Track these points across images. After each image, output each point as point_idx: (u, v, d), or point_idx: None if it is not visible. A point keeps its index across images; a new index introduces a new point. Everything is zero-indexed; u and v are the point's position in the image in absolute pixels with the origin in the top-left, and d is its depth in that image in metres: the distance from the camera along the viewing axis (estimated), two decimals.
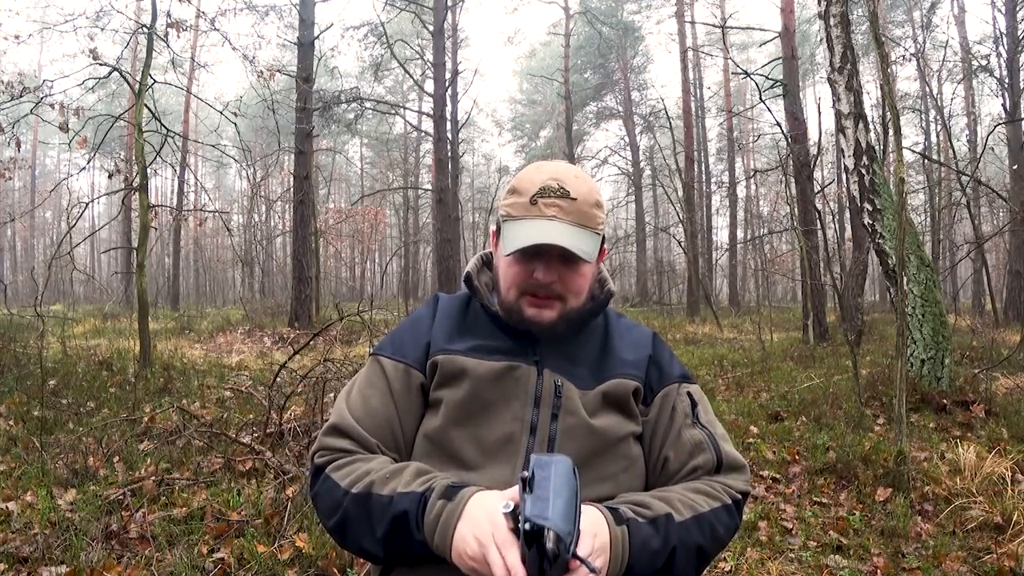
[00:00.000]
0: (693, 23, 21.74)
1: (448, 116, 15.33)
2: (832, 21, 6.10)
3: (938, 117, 16.23)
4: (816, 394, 5.77)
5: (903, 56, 17.62)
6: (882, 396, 5.50)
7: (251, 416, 4.59)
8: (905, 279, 5.16)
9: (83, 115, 7.68)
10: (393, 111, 21.54)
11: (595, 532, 0.86)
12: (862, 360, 7.21)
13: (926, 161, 16.71)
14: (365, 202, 25.77)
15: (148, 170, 8.17)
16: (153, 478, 3.37)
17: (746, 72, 11.31)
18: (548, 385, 1.05)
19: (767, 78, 11.60)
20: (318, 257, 15.81)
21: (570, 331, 1.10)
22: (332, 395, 4.16)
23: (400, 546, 0.91)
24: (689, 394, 1.11)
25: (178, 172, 22.59)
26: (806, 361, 8.11)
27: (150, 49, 8.25)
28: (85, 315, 15.00)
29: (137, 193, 8.01)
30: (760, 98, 11.40)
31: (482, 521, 0.83)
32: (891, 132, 5.22)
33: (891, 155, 9.14)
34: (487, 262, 1.21)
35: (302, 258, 13.04)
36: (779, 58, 12.90)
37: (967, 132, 18.88)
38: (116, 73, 8.72)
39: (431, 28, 14.91)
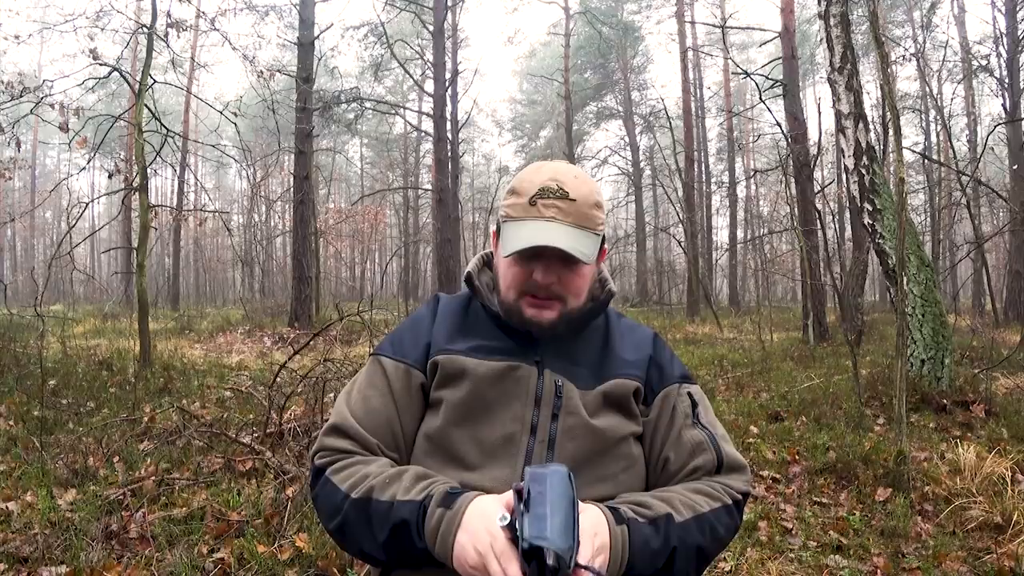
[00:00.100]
0: (693, 23, 21.74)
1: (448, 116, 15.34)
2: (832, 21, 6.10)
3: (938, 117, 16.23)
4: (816, 394, 5.77)
5: (903, 56, 17.62)
6: (882, 396, 5.50)
7: (251, 416, 4.59)
8: (905, 279, 5.16)
9: (83, 115, 7.68)
10: (393, 111, 21.55)
11: (595, 532, 0.86)
12: (862, 360, 7.21)
13: (926, 161, 16.74)
14: (365, 202, 25.77)
15: (148, 170, 8.17)
16: (153, 478, 3.37)
17: (746, 72, 11.32)
18: (548, 385, 1.05)
19: (767, 78, 11.60)
20: (318, 257, 15.81)
21: (570, 331, 1.10)
22: (332, 395, 4.15)
23: (402, 551, 0.92)
24: (690, 394, 1.11)
25: (178, 172, 22.59)
26: (806, 361, 8.10)
27: (150, 49, 8.24)
28: (85, 315, 15.00)
29: (137, 193, 8.00)
30: (760, 98, 11.41)
31: (480, 532, 0.83)
32: (891, 132, 5.22)
33: (891, 155, 9.14)
34: (488, 262, 1.21)
35: (302, 258, 13.04)
36: (779, 58, 12.90)
37: (967, 132, 18.89)
38: (116, 73, 8.72)
39: (431, 28, 14.91)
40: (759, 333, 10.33)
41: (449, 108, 15.52)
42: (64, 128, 7.43)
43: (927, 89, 18.14)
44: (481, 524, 0.84)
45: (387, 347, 1.13)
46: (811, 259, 11.08)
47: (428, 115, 16.23)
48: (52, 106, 7.66)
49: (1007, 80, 14.11)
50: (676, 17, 20.89)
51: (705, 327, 13.83)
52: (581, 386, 1.06)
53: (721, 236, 30.01)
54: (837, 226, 16.76)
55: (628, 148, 28.02)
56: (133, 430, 4.38)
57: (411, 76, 17.23)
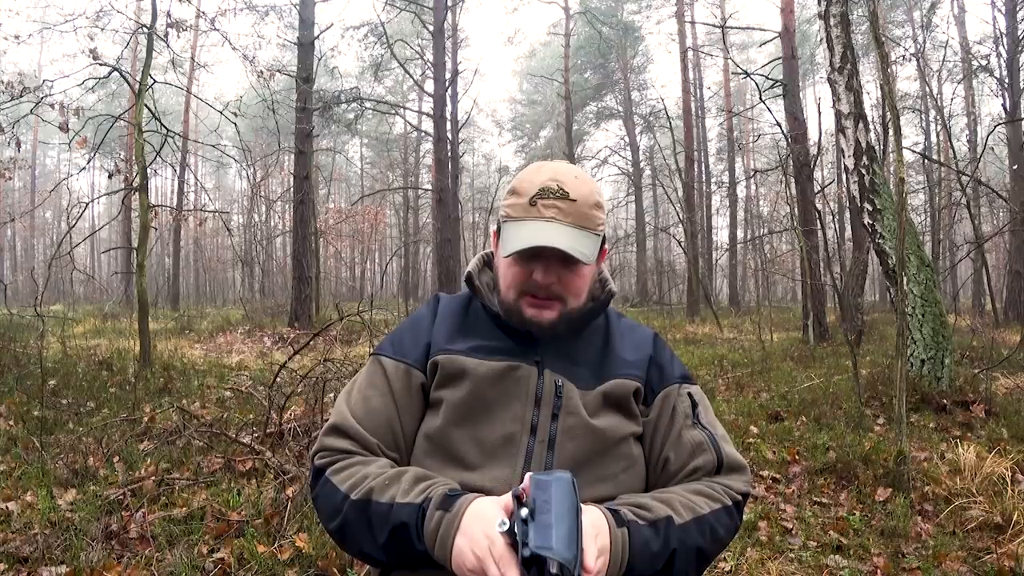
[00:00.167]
0: (693, 23, 21.74)
1: (448, 116, 15.34)
2: (832, 21, 6.10)
3: (938, 117, 16.23)
4: (816, 394, 5.77)
5: (903, 56, 17.62)
6: (882, 396, 5.50)
7: (251, 416, 4.59)
8: (905, 279, 5.16)
9: (83, 115, 7.68)
10: (393, 111, 21.55)
11: (597, 532, 0.86)
12: (862, 360, 7.21)
13: (926, 161, 16.74)
14: (365, 202, 25.77)
15: (148, 170, 8.17)
16: (153, 478, 3.37)
17: (746, 72, 11.32)
18: (549, 385, 1.05)
19: (767, 78, 11.60)
20: (318, 257, 15.81)
21: (570, 331, 1.10)
22: (332, 395, 4.15)
23: (401, 553, 0.92)
24: (690, 395, 1.11)
25: (178, 172, 22.59)
26: (806, 361, 8.11)
27: (150, 49, 8.24)
28: (85, 315, 15.00)
29: (137, 193, 8.00)
30: (760, 98, 11.41)
31: (478, 536, 0.83)
32: (891, 132, 5.22)
33: (891, 155, 9.14)
34: (488, 262, 1.21)
35: (302, 258, 13.04)
36: (779, 58, 12.90)
37: (967, 132, 18.88)
38: (116, 73, 8.72)
39: (431, 28, 14.91)
40: (759, 333, 10.33)
41: (449, 108, 15.52)
42: (64, 128, 7.42)
43: (927, 89, 18.15)
44: (479, 528, 0.84)
45: (387, 347, 1.13)
46: (811, 259, 11.08)
47: (428, 115, 16.23)
48: (52, 106, 7.66)
49: (1007, 80, 14.11)
50: (676, 17, 20.89)
51: (705, 327, 13.83)
52: (581, 386, 1.06)
53: (721, 236, 30.05)
54: (837, 226, 16.77)
55: (628, 148, 28.02)
56: (133, 430, 4.38)
57: (411, 76, 17.23)
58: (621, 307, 20.50)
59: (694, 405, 1.10)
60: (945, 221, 16.70)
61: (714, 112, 28.22)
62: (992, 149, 14.60)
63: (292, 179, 14.41)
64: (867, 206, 5.83)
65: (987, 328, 10.88)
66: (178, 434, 4.20)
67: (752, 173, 18.67)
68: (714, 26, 19.35)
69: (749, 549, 2.86)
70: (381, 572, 1.02)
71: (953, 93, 19.00)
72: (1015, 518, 2.94)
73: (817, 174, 16.33)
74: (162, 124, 8.53)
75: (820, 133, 14.94)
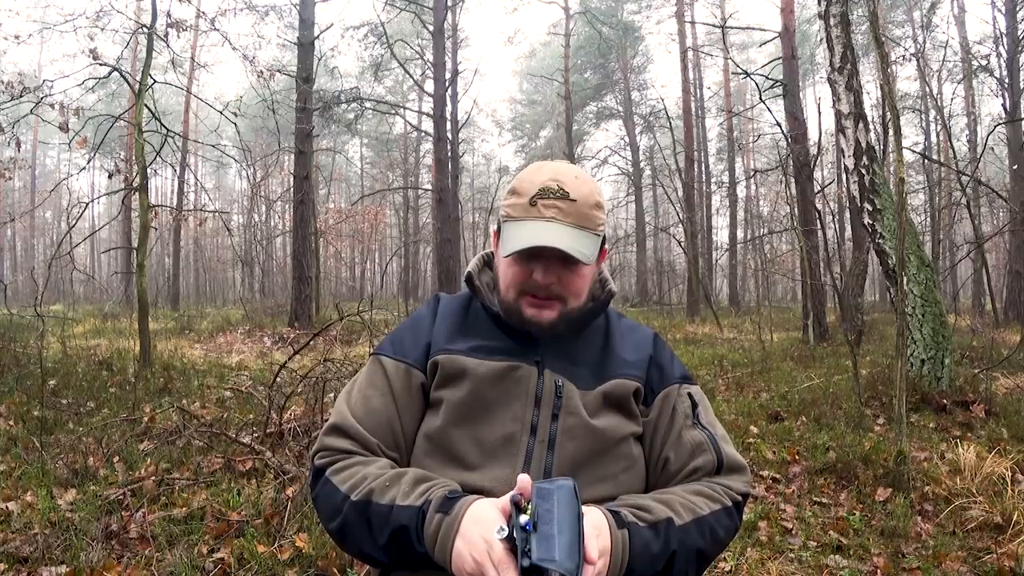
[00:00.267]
0: (693, 23, 21.74)
1: (448, 116, 15.33)
2: (832, 21, 6.10)
3: (938, 117, 16.23)
4: (816, 394, 5.77)
5: (903, 56, 17.62)
6: (882, 396, 5.50)
7: (251, 416, 4.59)
8: (905, 279, 5.16)
9: (83, 115, 7.67)
10: (393, 111, 21.54)
11: (598, 534, 0.86)
12: (862, 360, 7.21)
13: (926, 161, 16.74)
14: (365, 202, 25.76)
15: (148, 170, 8.17)
16: (153, 478, 3.37)
17: (746, 72, 11.32)
18: (549, 385, 1.05)
19: (767, 78, 11.60)
20: (318, 257, 15.81)
21: (570, 331, 1.10)
22: (332, 395, 4.15)
23: (402, 554, 0.92)
24: (690, 395, 1.11)
25: (178, 172, 22.59)
26: (806, 361, 8.10)
27: (150, 49, 8.24)
28: (85, 315, 15.00)
29: (137, 193, 8.00)
30: (760, 98, 11.40)
31: (476, 540, 0.83)
32: (891, 132, 5.22)
33: (891, 155, 9.14)
34: (488, 262, 1.21)
35: (302, 258, 13.04)
36: (779, 58, 12.90)
37: (967, 132, 18.88)
38: (116, 73, 8.72)
39: (431, 28, 14.91)
40: (759, 333, 10.33)
41: (449, 108, 15.52)
42: (64, 128, 7.42)
43: (927, 89, 18.15)
44: (477, 532, 0.84)
45: (387, 347, 1.13)
46: (811, 259, 11.08)
47: (428, 115, 16.23)
48: (52, 106, 7.66)
49: (1007, 80, 14.11)
50: (676, 17, 20.89)
51: (705, 327, 13.83)
52: (581, 386, 1.06)
53: (721, 236, 30.04)
54: (837, 226, 16.76)
55: (628, 148, 28.01)
56: (133, 430, 4.38)
57: (411, 76, 17.23)
58: (621, 307, 20.50)
59: (694, 405, 1.10)
60: (945, 221, 16.70)
61: (714, 112, 28.23)
62: (992, 149, 14.60)
63: (292, 179, 14.41)
64: (867, 206, 5.83)
65: (987, 328, 10.88)
66: (178, 434, 4.20)
67: (752, 173, 18.67)
68: (714, 26, 19.35)
69: (749, 549, 2.86)
70: (381, 572, 1.02)
71: (953, 93, 19.01)
72: (1015, 518, 2.94)
73: (817, 174, 16.33)
74: (162, 124, 8.53)
75: (820, 133, 14.93)
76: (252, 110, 15.20)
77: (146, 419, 4.63)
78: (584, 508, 0.84)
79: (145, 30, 8.32)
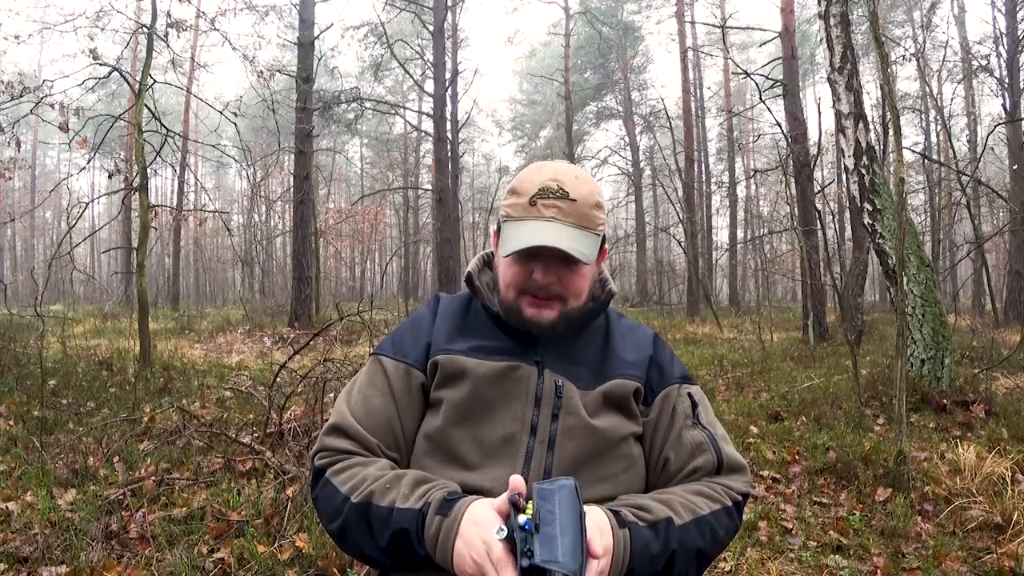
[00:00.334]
0: (693, 23, 21.74)
1: (448, 116, 15.33)
2: (832, 21, 6.10)
3: (938, 117, 16.23)
4: (816, 394, 5.77)
5: (903, 56, 17.62)
6: (882, 396, 5.50)
7: (251, 416, 4.59)
8: (905, 279, 5.16)
9: (83, 115, 7.67)
10: (393, 111, 21.54)
11: (601, 531, 0.87)
12: (862, 360, 7.21)
13: (926, 161, 16.74)
14: (365, 202, 25.75)
15: (148, 170, 8.17)
16: (153, 478, 3.37)
17: (746, 72, 11.32)
18: (549, 385, 1.05)
19: (767, 78, 11.61)
20: (318, 257, 15.81)
21: (570, 331, 1.10)
22: (332, 395, 4.15)
23: (403, 556, 0.92)
24: (690, 395, 1.11)
25: (178, 172, 22.59)
26: (806, 361, 8.10)
27: (150, 49, 8.24)
28: (85, 315, 15.00)
29: (137, 193, 8.00)
30: (760, 98, 11.41)
31: (475, 541, 0.83)
32: (891, 132, 5.22)
33: (891, 155, 9.14)
34: (488, 262, 1.21)
35: (302, 258, 13.04)
36: (779, 58, 12.90)
37: (967, 132, 18.88)
38: (116, 73, 8.71)
39: (431, 28, 14.91)
40: (759, 333, 10.33)
41: (449, 108, 15.52)
42: (64, 128, 7.42)
43: (927, 89, 18.15)
44: (475, 533, 0.84)
45: (387, 347, 1.13)
46: (811, 259, 11.08)
47: (428, 115, 16.23)
48: (52, 106, 7.65)
49: (1007, 80, 14.11)
50: (676, 17, 20.89)
51: (705, 327, 13.83)
52: (581, 386, 1.06)
53: (721, 236, 30.04)
54: (837, 226, 16.76)
55: (628, 148, 28.01)
56: (133, 430, 4.38)
57: (411, 76, 17.23)
58: (621, 307, 20.50)
59: (694, 405, 1.10)
60: (945, 221, 16.70)
61: (714, 112, 28.23)
62: (992, 149, 14.60)
63: (292, 179, 14.41)
64: (867, 206, 5.83)
65: (987, 328, 10.88)
66: (178, 434, 4.20)
67: (752, 173, 18.66)
68: (714, 26, 19.35)
69: (749, 549, 2.86)
70: (381, 574, 1.02)
71: (953, 93, 19.01)
72: (1015, 518, 2.94)
73: (817, 174, 16.33)
74: (162, 124, 8.53)
75: (820, 133, 14.93)
76: (252, 110, 15.20)
77: (146, 419, 4.63)
78: (585, 507, 0.84)
79: (145, 30, 8.32)
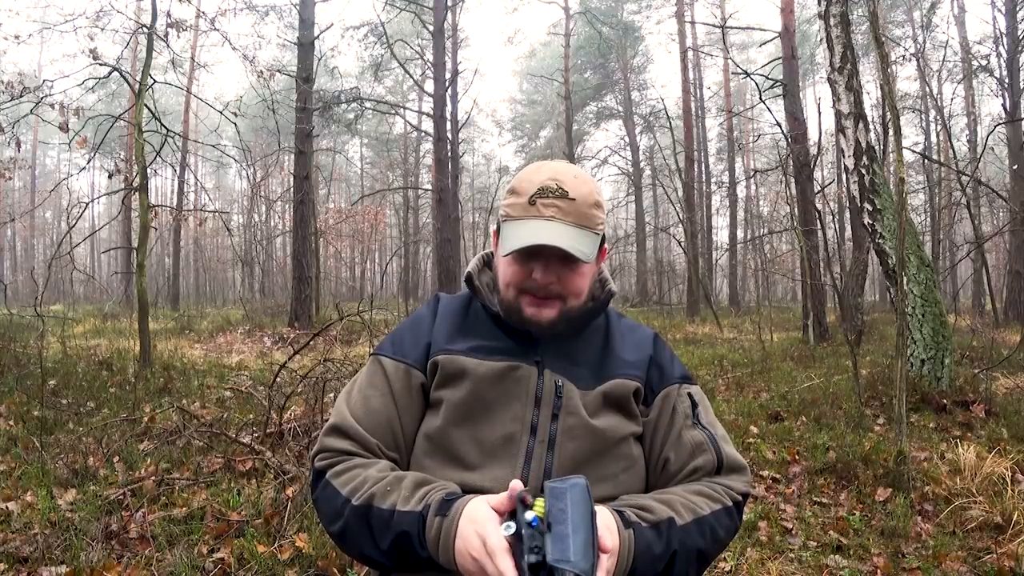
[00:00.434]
0: (693, 23, 21.74)
1: (448, 116, 15.33)
2: (832, 21, 6.10)
3: (938, 117, 16.22)
4: (816, 394, 5.77)
5: (903, 56, 17.62)
6: (882, 396, 5.50)
7: (251, 416, 4.59)
8: (905, 279, 5.16)
9: (83, 115, 7.67)
10: (393, 111, 21.54)
11: (608, 530, 0.86)
12: (862, 360, 7.21)
13: (926, 161, 16.74)
14: (365, 202, 25.75)
15: (148, 170, 8.17)
16: (153, 478, 3.37)
17: (746, 72, 11.32)
18: (549, 385, 1.05)
19: (767, 78, 11.61)
20: (318, 257, 15.81)
21: (570, 331, 1.10)
22: (332, 395, 4.16)
23: (404, 558, 0.92)
24: (690, 395, 1.11)
25: (178, 172, 22.59)
26: (806, 361, 8.10)
27: (150, 49, 8.24)
28: (85, 315, 15.00)
29: (137, 193, 8.00)
30: (760, 98, 11.41)
31: (472, 537, 0.83)
32: (891, 132, 5.22)
33: (891, 155, 9.14)
34: (488, 262, 1.21)
35: (302, 258, 13.04)
36: (779, 58, 12.90)
37: (967, 132, 18.88)
38: (116, 73, 8.72)
39: (431, 28, 14.91)
40: (759, 333, 10.33)
41: (449, 108, 15.52)
42: (64, 128, 7.42)
43: (927, 89, 18.14)
44: (471, 529, 0.84)
45: (387, 347, 1.13)
46: (811, 259, 11.08)
47: (428, 115, 16.23)
48: (52, 106, 7.65)
49: (1007, 80, 14.11)
50: (676, 17, 20.89)
51: (705, 327, 13.83)
52: (581, 386, 1.06)
53: (721, 236, 30.05)
54: (837, 226, 16.76)
55: (628, 148, 28.01)
56: (133, 430, 4.38)
57: (411, 76, 17.23)
58: (621, 307, 20.50)
59: (694, 405, 1.10)
60: (945, 221, 16.70)
61: (714, 112, 28.23)
62: (992, 149, 14.60)
63: (292, 179, 14.41)
64: (867, 206, 5.83)
65: (987, 328, 10.88)
66: (178, 434, 4.20)
67: (752, 173, 18.66)
68: (714, 26, 19.35)
69: (749, 549, 2.86)
70: (381, 574, 1.02)
71: (953, 93, 19.01)
72: (1015, 518, 2.94)
73: (817, 174, 16.33)
74: (162, 124, 8.53)
75: (820, 133, 14.93)
76: (252, 110, 15.21)
77: (146, 419, 4.63)
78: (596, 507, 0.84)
79: (145, 30, 8.32)
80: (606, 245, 1.13)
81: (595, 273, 1.13)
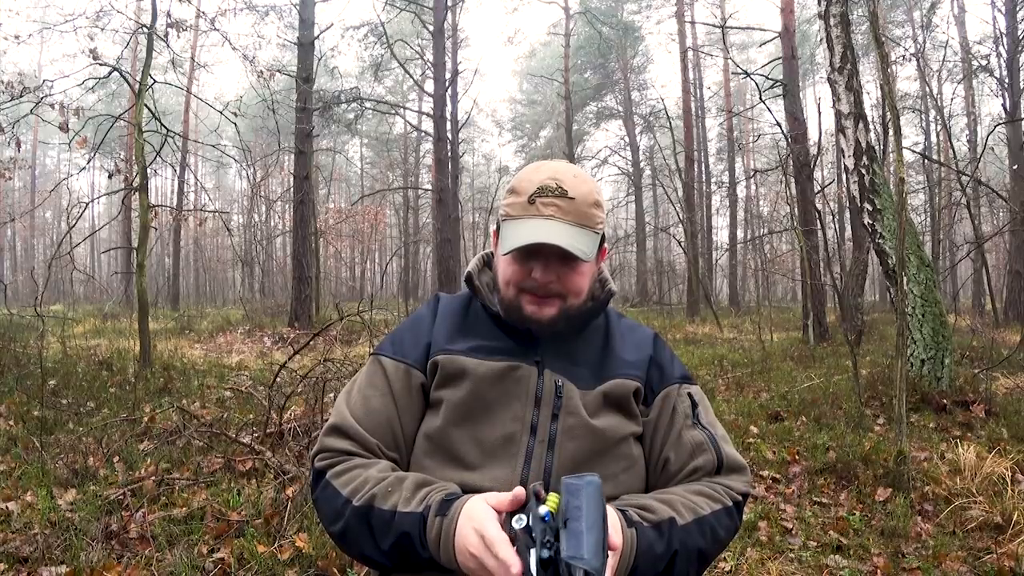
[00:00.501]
0: (693, 23, 21.74)
1: (448, 116, 15.33)
2: (832, 21, 6.10)
3: (938, 117, 16.22)
4: (816, 394, 5.77)
5: (903, 56, 17.62)
6: (882, 396, 5.50)
7: (251, 416, 4.59)
8: (905, 279, 5.16)
9: (83, 115, 7.67)
10: (393, 111, 21.54)
11: (615, 528, 0.87)
12: (862, 360, 7.21)
13: (926, 161, 16.73)
14: (365, 202, 25.75)
15: (148, 170, 8.17)
16: (153, 478, 3.37)
17: (746, 72, 11.32)
18: (549, 385, 1.05)
19: (767, 78, 11.61)
20: (318, 257, 15.81)
21: (570, 330, 1.10)
22: (332, 395, 4.16)
23: (405, 559, 0.92)
24: (690, 395, 1.11)
25: (178, 172, 22.59)
26: (806, 361, 8.10)
27: (150, 49, 8.24)
28: (85, 315, 15.00)
29: (137, 193, 8.00)
30: (760, 98, 11.41)
31: (470, 535, 0.84)
32: (891, 132, 5.22)
33: (891, 155, 9.14)
34: (488, 262, 1.21)
35: (302, 258, 13.04)
36: (779, 58, 12.90)
37: (967, 132, 18.88)
38: (116, 73, 8.72)
39: (431, 28, 14.91)
40: (759, 333, 10.33)
41: (449, 108, 15.52)
42: (64, 128, 7.42)
43: (927, 89, 18.14)
44: (470, 527, 0.84)
45: (387, 347, 1.13)
46: (811, 259, 11.08)
47: (428, 115, 16.23)
48: (52, 106, 7.65)
49: (1007, 80, 14.11)
50: (676, 17, 20.89)
51: (705, 327, 13.83)
52: (581, 386, 1.06)
53: (721, 236, 30.05)
54: (837, 226, 16.76)
55: (628, 148, 28.01)
56: (133, 430, 4.38)
57: (411, 76, 17.23)
58: (621, 307, 20.49)
59: (694, 405, 1.10)
60: (945, 221, 16.70)
61: (714, 112, 28.23)
62: (992, 149, 14.60)
63: (292, 179, 14.41)
64: (867, 206, 5.83)
65: (987, 328, 10.88)
66: (178, 434, 4.20)
67: (752, 173, 18.67)
68: (714, 26, 19.35)
69: (749, 549, 2.86)
70: (381, 575, 1.02)
71: (953, 93, 19.01)
72: (1015, 518, 2.94)
73: (817, 174, 16.33)
74: (162, 124, 8.53)
75: (820, 133, 14.93)
76: (252, 110, 15.21)
77: (146, 419, 4.63)
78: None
79: (145, 30, 8.32)
80: (606, 245, 1.13)
81: (595, 273, 1.13)
